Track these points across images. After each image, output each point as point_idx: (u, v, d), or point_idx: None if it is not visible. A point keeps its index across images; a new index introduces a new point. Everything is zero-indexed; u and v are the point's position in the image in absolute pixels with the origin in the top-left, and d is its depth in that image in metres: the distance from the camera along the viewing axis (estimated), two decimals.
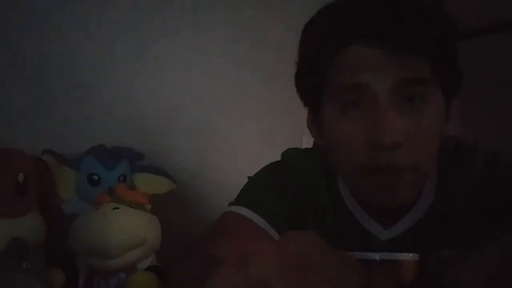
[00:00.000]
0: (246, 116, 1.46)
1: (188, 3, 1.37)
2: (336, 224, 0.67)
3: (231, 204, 0.68)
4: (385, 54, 0.54)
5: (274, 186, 0.68)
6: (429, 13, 0.56)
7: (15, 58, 1.12)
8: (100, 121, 1.22)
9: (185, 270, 0.53)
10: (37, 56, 1.15)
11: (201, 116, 1.38)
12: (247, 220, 0.64)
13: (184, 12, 1.36)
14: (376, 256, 0.41)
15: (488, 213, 0.61)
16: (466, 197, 0.63)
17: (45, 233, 0.95)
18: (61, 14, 1.18)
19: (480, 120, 1.61)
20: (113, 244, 0.93)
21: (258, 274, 0.28)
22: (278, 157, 0.75)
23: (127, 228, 0.95)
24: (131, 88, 1.27)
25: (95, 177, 1.09)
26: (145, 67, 1.29)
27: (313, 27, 0.62)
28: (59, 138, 1.14)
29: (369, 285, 0.31)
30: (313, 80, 0.61)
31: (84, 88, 1.21)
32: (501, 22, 1.61)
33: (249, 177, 0.74)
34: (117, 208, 0.97)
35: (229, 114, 1.43)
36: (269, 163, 0.74)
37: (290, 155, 0.74)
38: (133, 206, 0.99)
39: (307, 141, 0.78)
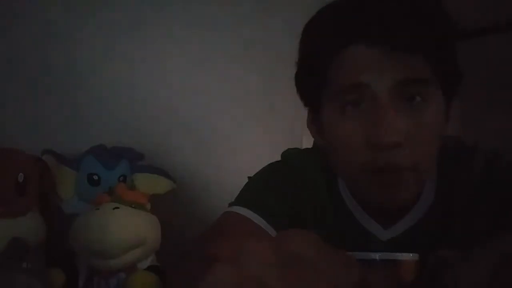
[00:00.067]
0: (246, 116, 1.46)
1: (188, 3, 1.37)
2: (336, 224, 0.67)
3: (231, 204, 0.68)
4: (385, 54, 0.54)
5: (274, 186, 0.68)
6: (429, 13, 0.56)
7: (15, 58, 1.12)
8: (100, 121, 1.22)
9: (185, 270, 0.53)
10: (37, 56, 1.15)
11: (201, 116, 1.38)
12: (247, 220, 0.64)
13: (184, 12, 1.36)
14: (376, 256, 0.41)
15: (488, 213, 0.61)
16: (466, 197, 0.63)
17: (45, 233, 0.95)
18: (61, 14, 1.18)
19: (480, 120, 1.61)
20: (113, 244, 0.93)
21: (254, 273, 0.28)
22: (278, 157, 0.75)
23: (127, 228, 0.95)
24: (131, 88, 1.27)
25: (95, 177, 1.09)
26: (145, 67, 1.29)
27: (313, 27, 0.62)
28: (59, 138, 1.14)
29: (368, 285, 0.30)
30: (313, 80, 0.61)
31: (84, 88, 1.21)
32: (501, 22, 1.61)
33: (249, 177, 0.74)
34: (117, 208, 0.97)
35: (229, 114, 1.43)
36: (269, 163, 0.74)
37: (290, 155, 0.74)
38: (133, 206, 0.99)
39: (307, 141, 0.78)
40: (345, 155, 0.59)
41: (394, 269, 0.41)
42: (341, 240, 0.57)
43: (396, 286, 0.39)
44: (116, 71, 1.25)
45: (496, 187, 0.61)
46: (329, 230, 0.66)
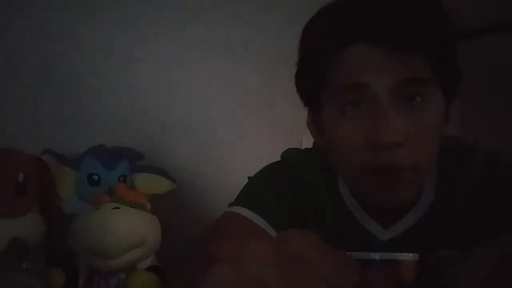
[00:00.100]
0: (246, 116, 1.46)
1: (188, 3, 1.37)
2: (336, 224, 0.67)
3: (231, 204, 0.68)
4: (385, 54, 0.54)
5: (274, 187, 0.68)
6: (429, 13, 0.56)
7: (15, 58, 1.12)
8: (100, 121, 1.22)
9: (185, 270, 0.53)
10: (37, 56, 1.15)
11: (201, 116, 1.38)
12: (247, 220, 0.64)
13: (184, 12, 1.36)
14: (376, 256, 0.41)
15: (488, 213, 0.61)
16: (466, 197, 0.63)
17: (45, 233, 0.95)
18: (61, 14, 1.18)
19: (480, 120, 1.61)
20: (113, 244, 0.93)
21: (254, 273, 0.28)
22: (278, 157, 0.75)
23: (127, 228, 0.95)
24: (131, 88, 1.27)
25: (95, 177, 1.09)
26: (144, 67, 1.29)
27: (313, 27, 0.62)
28: (59, 138, 1.14)
29: (368, 285, 0.30)
30: (313, 80, 0.61)
31: (84, 88, 1.21)
32: (501, 22, 1.61)
33: (249, 177, 0.74)
34: (117, 208, 0.97)
35: (229, 114, 1.43)
36: (269, 163, 0.74)
37: (290, 155, 0.74)
38: (133, 206, 0.99)
39: (307, 141, 0.78)
40: (345, 155, 0.59)
41: (394, 269, 0.41)
42: (341, 240, 0.57)
43: (396, 286, 0.39)
44: (116, 71, 1.25)
45: (496, 187, 0.61)
46: (329, 230, 0.66)
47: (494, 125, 1.58)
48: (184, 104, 1.35)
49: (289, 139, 1.16)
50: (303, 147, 0.79)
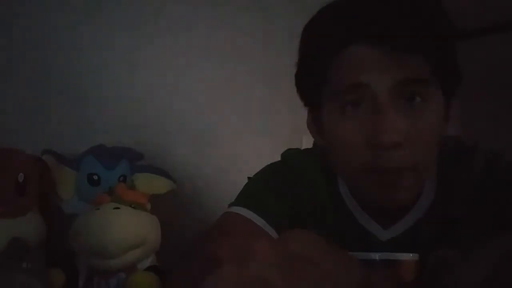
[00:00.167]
0: (246, 116, 1.46)
1: (188, 3, 1.37)
2: (336, 224, 0.67)
3: (231, 204, 0.68)
4: (385, 54, 0.54)
5: (274, 187, 0.68)
6: (429, 13, 0.56)
7: (15, 58, 1.12)
8: (100, 121, 1.22)
9: (185, 270, 0.53)
10: (37, 56, 1.15)
11: (201, 116, 1.38)
12: (247, 220, 0.64)
13: (184, 12, 1.36)
14: (376, 256, 0.42)
15: (488, 213, 0.61)
16: (466, 197, 0.63)
17: (45, 233, 0.95)
18: (61, 14, 1.18)
19: (480, 120, 1.61)
20: (113, 244, 0.93)
21: (258, 272, 0.28)
22: (278, 157, 0.75)
23: (127, 228, 0.95)
24: (131, 88, 1.27)
25: (95, 177, 1.09)
26: (145, 67, 1.29)
27: (313, 27, 0.62)
28: (59, 138, 1.14)
29: (369, 284, 0.31)
30: (313, 80, 0.61)
31: (84, 88, 1.21)
32: (501, 22, 1.61)
33: (249, 178, 0.74)
34: (117, 208, 0.97)
35: (229, 114, 1.43)
36: (269, 163, 0.74)
37: (290, 155, 0.74)
38: (133, 206, 0.99)
39: (307, 141, 0.78)
40: (345, 155, 0.59)
41: (394, 269, 0.41)
42: (341, 240, 0.57)
43: (396, 286, 0.39)
44: (117, 72, 1.25)
45: (496, 187, 0.61)
46: (329, 230, 0.66)
47: (494, 125, 1.58)
48: (184, 104, 1.35)
49: (289, 139, 1.16)
50: (303, 147, 0.79)
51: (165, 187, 1.13)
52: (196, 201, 1.34)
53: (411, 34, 0.53)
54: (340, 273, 0.30)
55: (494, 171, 0.62)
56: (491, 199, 0.61)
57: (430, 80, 0.57)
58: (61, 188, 1.07)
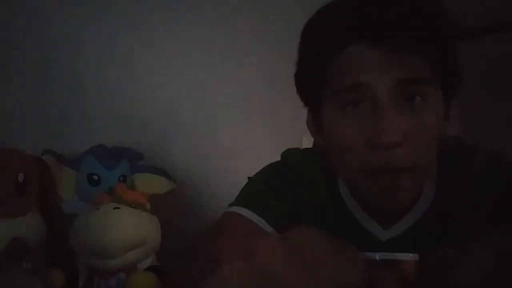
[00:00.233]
0: (246, 116, 1.46)
1: (188, 2, 1.37)
2: (336, 224, 0.67)
3: (231, 204, 0.68)
4: (385, 54, 0.54)
5: (274, 187, 0.68)
6: (429, 13, 0.56)
7: (15, 58, 1.12)
8: (100, 121, 1.22)
9: (185, 270, 0.53)
10: (37, 56, 1.15)
11: (201, 116, 1.38)
12: (247, 220, 0.64)
13: (184, 12, 1.36)
14: (376, 256, 0.42)
15: (488, 213, 0.61)
16: (466, 197, 0.63)
17: (45, 233, 0.95)
18: (61, 14, 1.18)
19: (480, 120, 1.61)
20: (113, 244, 0.93)
21: (265, 265, 0.29)
22: (278, 157, 0.75)
23: (127, 228, 0.95)
24: (131, 88, 1.28)
25: (95, 177, 1.09)
26: (144, 67, 1.29)
27: (313, 27, 0.62)
28: (59, 138, 1.14)
29: (373, 279, 0.31)
30: (313, 80, 0.61)
31: (84, 88, 1.21)
32: (501, 22, 1.61)
33: (249, 178, 0.74)
34: (117, 208, 0.97)
35: (229, 114, 1.43)
36: (269, 163, 0.74)
37: (290, 155, 0.74)
38: (133, 206, 0.99)
39: (307, 141, 0.78)
40: (345, 155, 0.59)
41: (394, 269, 0.41)
42: (340, 240, 0.57)
43: (399, 283, 0.39)
44: (117, 72, 1.25)
45: (496, 187, 0.61)
46: (329, 230, 0.65)
47: (494, 125, 1.58)
48: (184, 104, 1.35)
49: (289, 139, 1.16)
50: (303, 147, 0.79)
51: (165, 187, 1.13)
52: (196, 201, 1.34)
53: (411, 34, 0.53)
54: (345, 266, 0.30)
55: (494, 171, 0.62)
56: (491, 199, 0.61)
57: (430, 80, 0.56)
58: (61, 188, 1.07)
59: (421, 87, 0.56)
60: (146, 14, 1.30)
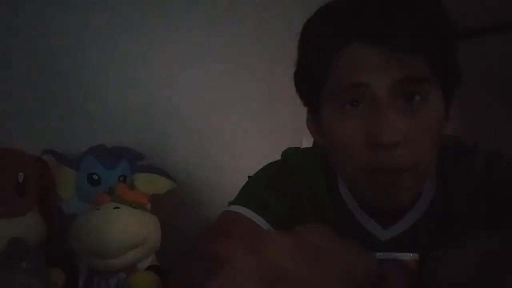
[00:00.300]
0: (246, 116, 1.46)
1: (188, 3, 1.37)
2: (336, 224, 0.67)
3: (230, 203, 0.68)
4: (385, 53, 0.54)
5: (274, 186, 0.68)
6: (429, 13, 0.56)
7: (15, 58, 1.13)
8: (100, 121, 1.22)
9: (186, 270, 0.53)
10: (37, 56, 1.15)
11: (201, 116, 1.38)
12: (247, 219, 0.64)
13: (184, 12, 1.36)
14: (376, 256, 0.41)
15: (488, 213, 0.61)
16: (466, 197, 0.63)
17: (45, 233, 0.95)
18: (61, 14, 1.18)
19: (480, 120, 1.61)
20: (113, 244, 0.93)
21: (275, 261, 0.29)
22: (278, 157, 0.75)
23: (127, 228, 0.95)
24: (131, 88, 1.28)
25: (95, 177, 1.09)
26: (145, 67, 1.29)
27: (312, 26, 0.62)
28: (59, 138, 1.14)
29: (382, 276, 0.31)
30: (312, 79, 0.61)
31: (85, 88, 1.21)
32: (501, 22, 1.61)
33: (249, 177, 0.74)
34: (118, 208, 0.97)
35: (229, 114, 1.43)
36: (269, 163, 0.74)
37: (290, 155, 0.74)
38: (133, 206, 0.99)
39: (307, 141, 0.78)
40: (344, 155, 0.59)
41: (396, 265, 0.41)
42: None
43: (410, 280, 0.39)
44: (116, 71, 1.25)
45: (496, 187, 0.61)
46: None
47: (494, 125, 1.58)
48: (184, 104, 1.35)
49: (289, 139, 1.16)
50: (303, 147, 0.79)
51: (165, 187, 1.13)
52: (196, 201, 1.34)
53: (411, 34, 0.53)
54: (357, 263, 0.30)
55: (494, 171, 0.62)
56: (491, 199, 0.61)
57: (430, 80, 0.56)
58: (61, 188, 1.07)
59: (421, 87, 0.56)
60: (146, 14, 1.30)
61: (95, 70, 1.23)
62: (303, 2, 0.92)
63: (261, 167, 0.73)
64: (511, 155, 0.64)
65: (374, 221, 0.65)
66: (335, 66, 0.58)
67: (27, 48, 1.14)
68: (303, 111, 0.69)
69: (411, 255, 0.43)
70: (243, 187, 0.71)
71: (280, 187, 0.68)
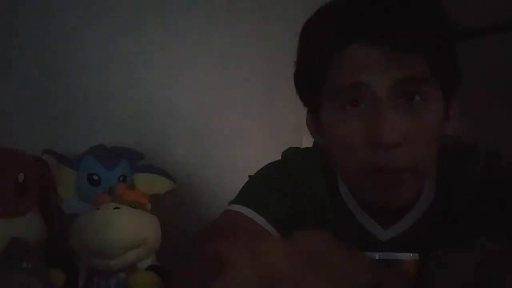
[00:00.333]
0: (246, 116, 1.46)
1: (188, 2, 1.37)
2: (336, 224, 0.67)
3: (231, 202, 0.68)
4: (385, 53, 0.54)
5: (274, 185, 0.68)
6: (429, 13, 0.56)
7: (15, 58, 1.12)
8: (100, 121, 1.22)
9: (186, 270, 0.53)
10: (37, 56, 1.15)
11: (201, 116, 1.38)
12: (247, 219, 0.64)
13: (184, 12, 1.36)
14: (376, 256, 0.41)
15: (488, 213, 0.61)
16: (466, 197, 0.63)
17: (45, 233, 0.95)
18: (61, 14, 1.18)
19: (480, 120, 1.61)
20: (113, 244, 0.93)
21: (272, 268, 0.29)
22: (278, 157, 0.75)
23: (127, 228, 0.95)
24: (131, 88, 1.27)
25: (95, 177, 1.09)
26: (145, 67, 1.29)
27: (312, 26, 0.62)
28: (59, 138, 1.14)
29: (381, 282, 0.31)
30: (312, 80, 0.61)
31: (84, 88, 1.21)
32: (501, 22, 1.60)
33: (249, 176, 0.74)
34: (118, 208, 0.97)
35: (229, 114, 1.43)
36: (269, 162, 0.74)
37: (290, 155, 0.74)
38: (133, 206, 0.99)
39: (307, 141, 0.78)
40: (344, 155, 0.59)
41: (394, 269, 0.41)
42: (341, 240, 0.57)
43: (408, 283, 0.39)
44: (116, 71, 1.25)
45: (496, 187, 0.61)
46: (329, 230, 0.65)
47: (494, 125, 1.58)
48: (184, 104, 1.35)
49: (289, 139, 1.16)
50: (303, 147, 0.79)
51: (165, 187, 1.13)
52: (196, 201, 1.34)
53: (411, 34, 0.53)
54: (352, 269, 0.30)
55: (494, 171, 0.62)
56: (491, 199, 0.61)
57: (430, 80, 0.56)
58: (61, 188, 1.07)
59: (421, 87, 0.56)
60: (146, 14, 1.30)
61: (95, 70, 1.23)
62: (303, 2, 0.92)
63: (261, 167, 0.73)
64: (511, 155, 0.64)
65: (374, 221, 0.65)
66: (335, 66, 0.58)
67: (27, 48, 1.14)
68: (303, 111, 0.69)
69: (411, 255, 0.43)
70: (243, 186, 0.71)
71: (280, 186, 0.68)
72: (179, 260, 0.58)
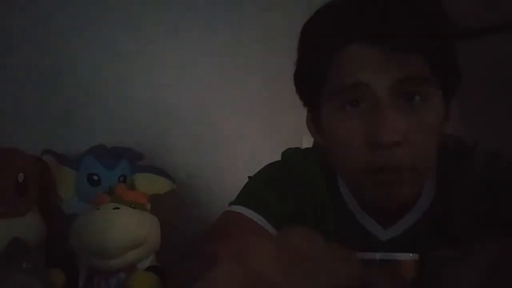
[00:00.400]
0: (246, 116, 1.46)
1: (188, 3, 1.37)
2: (336, 224, 0.67)
3: (231, 203, 0.68)
4: (385, 53, 0.54)
5: (274, 186, 0.69)
6: (429, 13, 0.56)
7: (15, 58, 1.12)
8: (100, 121, 1.22)
9: (185, 270, 0.53)
10: (37, 56, 1.15)
11: (201, 116, 1.38)
12: (248, 219, 0.64)
13: (184, 12, 1.36)
14: (376, 256, 0.42)
15: (488, 213, 0.61)
16: (466, 197, 0.63)
17: (45, 233, 0.95)
18: (61, 14, 1.18)
19: (480, 120, 1.61)
20: (113, 244, 0.93)
21: (258, 268, 0.28)
22: (278, 157, 0.75)
23: (127, 228, 0.95)
24: (131, 88, 1.27)
25: (95, 177, 1.09)
26: (145, 67, 1.29)
27: (312, 26, 0.62)
28: (59, 138, 1.14)
29: (369, 281, 0.30)
30: (312, 79, 0.61)
31: (85, 88, 1.21)
32: (501, 22, 1.60)
33: (249, 177, 0.74)
34: (117, 208, 0.97)
35: (229, 113, 1.43)
36: (269, 163, 0.74)
37: (290, 155, 0.74)
38: (133, 206, 0.99)
39: (307, 141, 0.78)
40: (344, 155, 0.59)
41: (394, 269, 0.41)
42: (341, 240, 0.57)
43: (397, 285, 0.39)
44: (117, 71, 1.25)
45: (496, 187, 0.61)
46: (329, 230, 0.66)
47: (494, 125, 1.58)
48: (184, 104, 1.35)
49: (289, 139, 1.16)
50: (303, 147, 0.79)
51: (165, 187, 1.13)
52: (196, 201, 1.34)
53: (411, 34, 0.53)
54: (340, 269, 0.30)
55: (494, 171, 0.62)
56: (491, 199, 0.61)
57: (430, 80, 0.57)
58: (61, 188, 1.07)
59: (421, 87, 0.56)
60: (146, 14, 1.30)
61: (95, 70, 1.23)
62: (303, 2, 0.92)
63: (261, 167, 0.74)
64: (511, 155, 0.64)
65: (374, 221, 0.65)
66: (335, 66, 0.58)
67: (27, 48, 1.14)
68: (303, 111, 0.69)
69: (411, 255, 0.43)
70: (243, 187, 0.71)
71: (280, 187, 0.68)
72: (179, 260, 0.58)
